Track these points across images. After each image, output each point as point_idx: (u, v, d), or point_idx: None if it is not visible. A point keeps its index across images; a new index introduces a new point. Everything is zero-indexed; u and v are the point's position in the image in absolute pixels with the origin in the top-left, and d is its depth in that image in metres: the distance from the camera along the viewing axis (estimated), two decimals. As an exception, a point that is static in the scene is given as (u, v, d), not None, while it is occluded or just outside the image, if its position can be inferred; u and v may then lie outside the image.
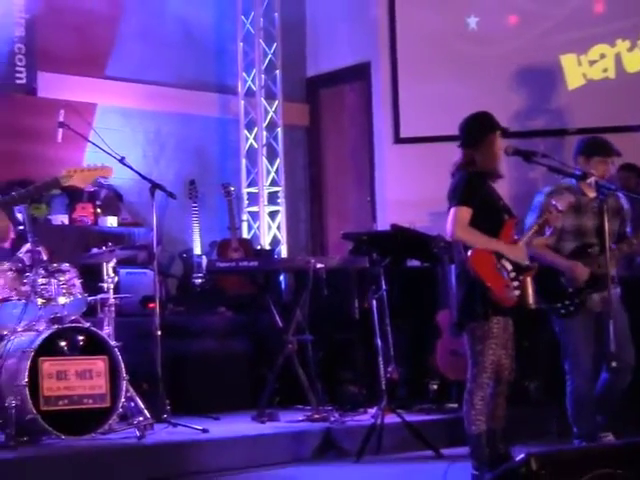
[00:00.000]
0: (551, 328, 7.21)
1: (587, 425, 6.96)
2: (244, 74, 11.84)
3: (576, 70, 10.97)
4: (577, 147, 7.23)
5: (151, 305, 8.48)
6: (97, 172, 5.03)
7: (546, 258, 6.90)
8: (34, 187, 4.97)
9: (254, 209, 11.77)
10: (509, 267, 6.19)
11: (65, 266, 7.61)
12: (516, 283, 6.20)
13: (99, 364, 7.28)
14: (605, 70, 10.91)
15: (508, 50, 10.99)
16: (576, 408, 6.99)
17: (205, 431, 7.46)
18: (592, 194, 6.96)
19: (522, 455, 3.36)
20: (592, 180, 6.69)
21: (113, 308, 7.82)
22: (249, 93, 11.82)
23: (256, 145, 11.78)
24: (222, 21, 11.89)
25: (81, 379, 7.19)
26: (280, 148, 11.84)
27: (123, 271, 9.10)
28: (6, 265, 7.45)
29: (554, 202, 6.53)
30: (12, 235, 8.17)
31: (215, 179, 11.31)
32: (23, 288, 7.39)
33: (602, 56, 10.91)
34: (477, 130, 6.37)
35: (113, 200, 10.42)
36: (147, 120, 11.14)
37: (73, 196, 9.91)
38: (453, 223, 6.19)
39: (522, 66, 10.98)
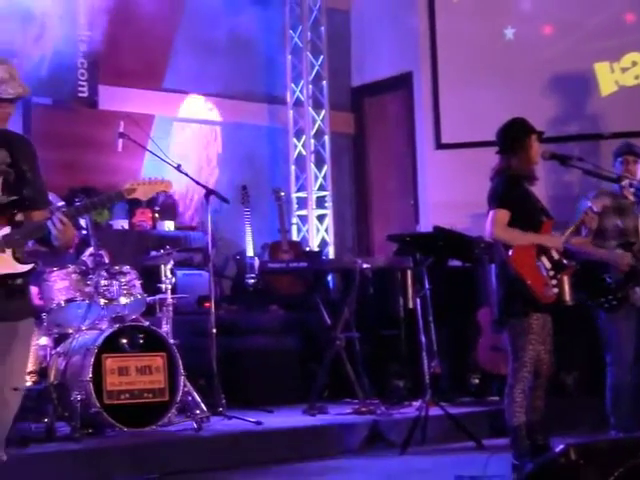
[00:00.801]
0: (587, 324, 7.16)
1: (625, 416, 6.89)
2: (292, 85, 11.86)
3: (609, 77, 10.90)
4: (616, 151, 7.19)
5: (206, 304, 8.50)
6: (158, 186, 5.02)
7: (591, 252, 6.87)
8: (99, 199, 4.98)
9: (303, 213, 11.78)
10: (548, 265, 6.16)
11: (126, 268, 7.66)
12: (554, 281, 6.17)
13: (158, 360, 7.31)
14: (637, 77, 10.85)
15: (543, 59, 10.93)
16: (615, 399, 6.92)
17: (259, 423, 7.47)
18: (632, 197, 6.94)
19: (561, 446, 3.34)
20: (627, 182, 6.65)
21: (171, 307, 7.85)
22: (297, 103, 11.84)
23: (304, 152, 11.79)
24: (271, 35, 11.91)
25: (141, 374, 7.22)
26: (327, 155, 11.84)
27: (180, 272, 9.13)
28: (71, 268, 7.51)
29: (589, 204, 6.50)
30: (75, 240, 8.23)
31: (266, 185, 11.32)
32: (87, 289, 7.44)
33: (634, 63, 10.84)
34: (513, 136, 6.34)
35: (170, 206, 10.46)
36: (202, 130, 11.17)
37: (133, 202, 9.96)
38: (492, 224, 6.17)
39: (557, 74, 10.93)
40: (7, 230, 4.65)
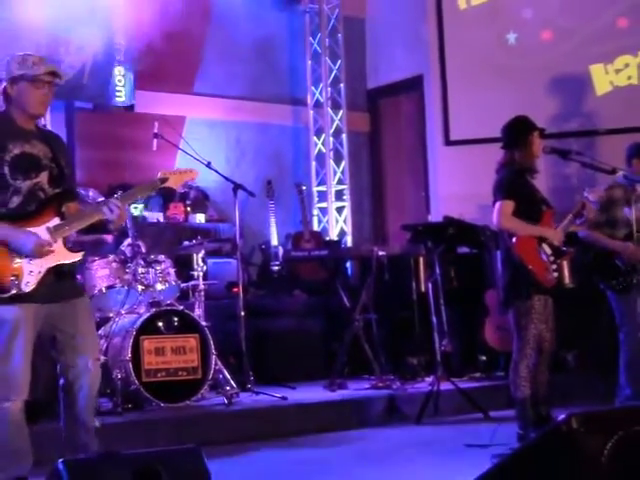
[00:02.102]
0: (586, 305, 7.12)
1: None
2: (313, 88, 11.84)
3: (604, 78, 10.84)
4: (630, 150, 7.09)
5: (235, 290, 8.50)
6: (186, 175, 5.08)
7: (604, 242, 6.83)
8: (138, 188, 5.04)
9: (323, 205, 11.76)
10: (549, 252, 6.15)
11: (161, 257, 7.67)
12: (554, 266, 6.16)
13: (192, 341, 7.32)
14: (629, 77, 10.78)
15: (543, 61, 10.87)
16: (633, 373, 6.83)
17: (284, 398, 7.48)
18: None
19: (563, 415, 3.32)
20: (620, 174, 6.59)
21: (203, 293, 7.86)
22: (317, 104, 11.82)
23: (324, 149, 11.78)
24: (293, 42, 11.90)
25: (176, 354, 7.23)
26: (345, 152, 11.82)
27: (210, 261, 9.13)
28: (111, 257, 7.53)
29: (586, 194, 6.46)
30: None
31: (289, 179, 11.32)
32: (125, 277, 7.46)
33: (626, 65, 10.78)
34: (517, 132, 6.31)
35: (201, 200, 10.47)
36: (229, 129, 11.17)
37: (167, 197, 9.99)
38: (498, 215, 6.16)
39: (556, 75, 10.88)
40: (57, 221, 4.67)
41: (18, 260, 4.54)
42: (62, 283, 4.73)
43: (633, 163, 7.02)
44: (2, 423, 4.62)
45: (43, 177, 4.70)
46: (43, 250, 4.57)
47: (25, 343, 4.59)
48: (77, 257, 4.77)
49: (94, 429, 4.87)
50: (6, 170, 4.60)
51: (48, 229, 4.62)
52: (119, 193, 4.89)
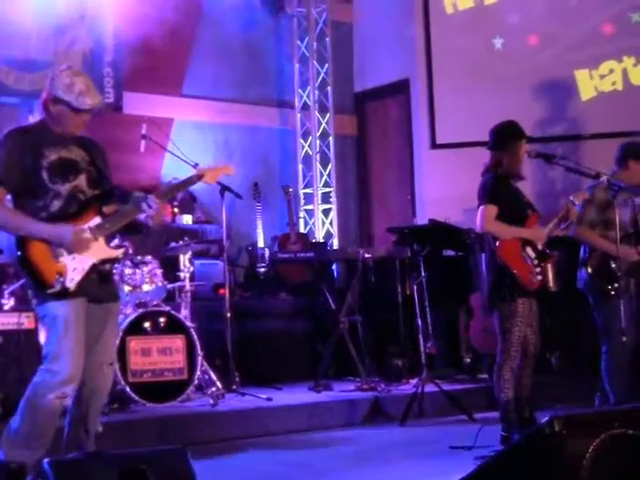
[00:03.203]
0: (570, 308, 7.12)
1: (624, 393, 6.78)
2: (300, 90, 11.83)
3: (589, 83, 10.88)
4: (625, 150, 6.92)
5: (222, 291, 8.50)
6: (222, 170, 5.23)
7: (596, 242, 6.74)
8: (178, 184, 5.23)
9: (310, 207, 11.76)
10: (532, 255, 6.17)
11: (148, 258, 7.66)
12: (538, 269, 6.17)
13: (178, 342, 7.32)
14: (614, 83, 10.82)
15: (529, 66, 10.90)
16: (615, 380, 6.77)
17: (269, 399, 7.48)
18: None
19: (547, 417, 3.34)
20: (604, 179, 6.59)
21: (189, 294, 7.86)
22: (304, 107, 11.82)
23: (311, 152, 11.78)
24: (281, 45, 11.90)
25: (162, 355, 7.23)
26: (332, 154, 11.83)
27: (197, 262, 9.13)
28: (97, 258, 7.52)
29: (571, 198, 6.46)
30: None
31: (276, 182, 11.32)
32: (112, 277, 7.45)
33: (611, 71, 10.82)
34: (505, 136, 6.31)
35: (188, 201, 10.46)
36: (217, 132, 11.17)
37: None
38: (482, 218, 6.17)
39: (541, 80, 10.91)
40: (98, 220, 4.81)
41: (62, 259, 4.68)
42: (105, 286, 4.89)
43: (629, 165, 6.84)
44: (45, 413, 4.69)
45: (82, 180, 4.83)
46: (83, 239, 4.70)
47: (76, 337, 4.69)
48: (118, 253, 4.92)
49: (96, 433, 4.93)
50: (45, 175, 4.73)
51: (89, 229, 4.76)
52: (157, 190, 4.99)
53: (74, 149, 4.86)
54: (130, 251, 7.61)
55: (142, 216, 4.89)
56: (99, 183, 4.89)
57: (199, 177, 5.06)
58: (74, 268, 4.67)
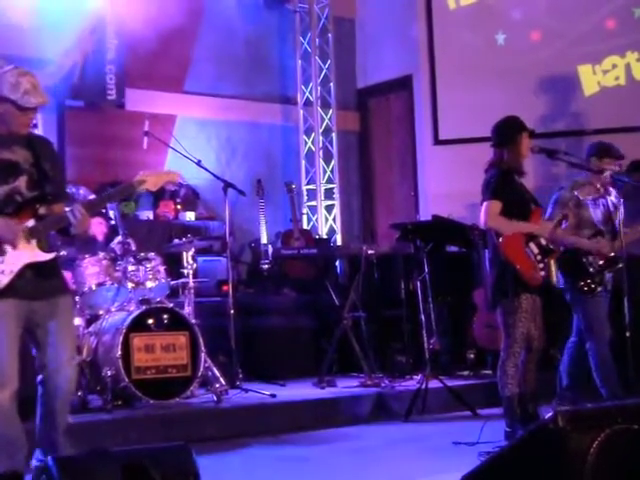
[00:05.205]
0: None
1: (615, 387, 6.83)
2: (303, 87, 11.83)
3: (591, 78, 10.88)
4: (590, 150, 7.09)
5: (225, 287, 8.51)
6: (165, 177, 5.17)
7: (575, 242, 6.84)
8: (113, 192, 5.26)
9: (313, 203, 11.76)
10: (536, 251, 6.16)
11: (151, 255, 7.66)
12: (542, 265, 6.17)
13: (181, 339, 7.31)
14: (617, 78, 10.82)
15: (532, 62, 10.90)
16: (604, 374, 6.83)
17: (273, 396, 7.47)
18: (602, 189, 6.92)
19: (551, 413, 3.33)
20: (608, 174, 6.60)
21: (192, 290, 7.84)
22: (307, 103, 11.81)
23: (314, 148, 11.77)
24: (283, 41, 11.90)
25: (166, 352, 7.22)
26: (335, 150, 11.82)
27: (200, 259, 9.12)
28: (101, 255, 7.53)
29: (576, 193, 6.46)
30: (105, 229, 8.25)
31: (279, 178, 11.32)
32: (116, 274, 7.46)
33: (614, 66, 10.82)
34: (507, 132, 6.31)
35: (191, 198, 10.46)
36: (220, 128, 11.17)
37: (157, 195, 9.98)
38: (485, 214, 6.17)
39: (544, 76, 10.90)
40: (32, 222, 4.82)
41: None
42: (44, 281, 4.87)
43: (591, 161, 6.95)
44: None
45: (21, 181, 4.84)
46: (13, 228, 4.71)
47: (7, 336, 4.71)
48: (49, 257, 4.89)
49: (64, 427, 4.94)
50: None
51: (23, 230, 4.78)
52: (108, 190, 4.98)
53: (17, 150, 4.87)
54: (133, 248, 7.63)
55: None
56: (41, 184, 4.88)
57: (140, 183, 5.00)
58: (2, 270, 4.71)
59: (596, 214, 6.95)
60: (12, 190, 4.81)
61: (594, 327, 6.87)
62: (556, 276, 6.40)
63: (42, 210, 4.86)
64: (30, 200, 4.84)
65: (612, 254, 6.78)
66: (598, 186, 6.95)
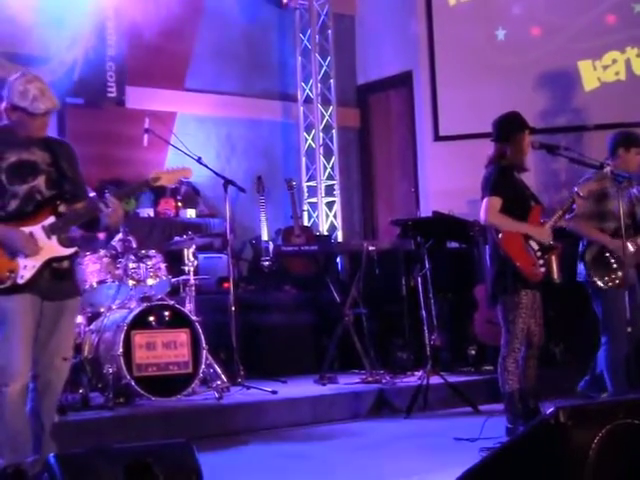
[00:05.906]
0: (573, 300, 7.11)
1: (622, 384, 6.77)
2: (303, 84, 11.82)
3: (592, 74, 10.87)
4: (615, 140, 6.91)
5: (226, 285, 8.50)
6: (180, 172, 5.30)
7: (592, 234, 6.76)
8: (132, 187, 5.39)
9: (313, 200, 11.76)
10: (535, 247, 6.16)
11: (152, 252, 7.67)
12: (542, 261, 6.16)
13: (182, 336, 7.32)
14: (617, 73, 10.82)
15: (532, 58, 10.90)
16: (614, 372, 6.74)
17: (274, 392, 7.47)
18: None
19: (552, 408, 3.33)
20: (608, 170, 6.57)
21: (193, 288, 7.85)
22: (307, 100, 11.81)
23: (314, 145, 11.77)
24: (283, 38, 11.89)
25: (167, 349, 7.23)
26: (335, 147, 11.82)
27: (201, 256, 9.13)
28: (102, 252, 7.53)
29: (576, 190, 6.44)
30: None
31: (279, 175, 11.31)
32: (117, 272, 7.46)
33: (614, 61, 10.81)
34: (509, 127, 6.31)
35: (192, 195, 10.46)
36: (220, 125, 11.16)
37: (157, 192, 9.98)
38: (486, 211, 6.17)
39: (545, 71, 10.90)
40: (52, 219, 4.96)
41: (16, 257, 4.86)
42: (59, 283, 5.00)
43: (619, 153, 6.83)
44: (0, 406, 4.83)
45: (40, 181, 4.99)
46: (31, 242, 4.87)
47: (23, 331, 4.84)
48: (70, 251, 5.03)
49: (51, 426, 5.03)
50: (3, 177, 4.92)
51: (43, 227, 4.92)
52: (109, 189, 5.08)
53: (36, 151, 5.01)
54: (134, 245, 7.63)
55: (103, 214, 5.02)
56: (60, 183, 5.04)
57: (155, 180, 5.12)
58: (25, 265, 4.85)
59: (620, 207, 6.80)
60: (32, 189, 4.96)
61: (612, 322, 6.76)
62: (558, 272, 6.36)
63: (62, 208, 5.00)
64: (49, 198, 4.99)
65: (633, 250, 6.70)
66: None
